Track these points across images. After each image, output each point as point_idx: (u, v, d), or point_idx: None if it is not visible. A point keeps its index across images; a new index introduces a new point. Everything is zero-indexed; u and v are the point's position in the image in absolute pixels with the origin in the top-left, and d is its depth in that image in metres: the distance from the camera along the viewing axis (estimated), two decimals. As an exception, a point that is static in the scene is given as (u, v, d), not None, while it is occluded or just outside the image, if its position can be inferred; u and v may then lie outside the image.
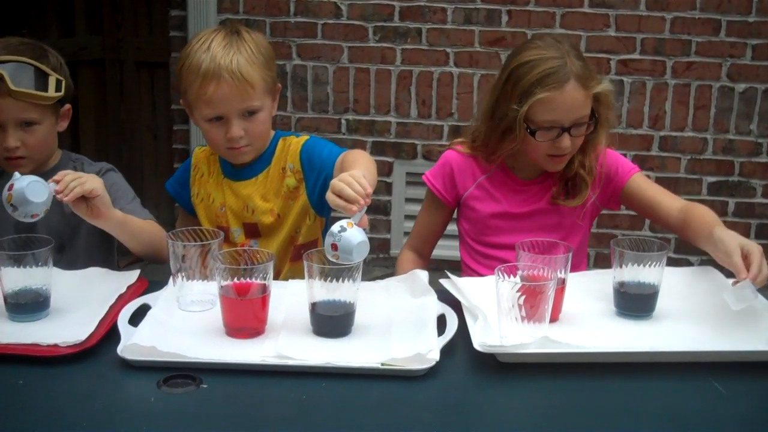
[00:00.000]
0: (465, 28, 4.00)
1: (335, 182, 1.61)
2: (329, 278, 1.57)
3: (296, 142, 2.10)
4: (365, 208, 1.58)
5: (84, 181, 1.77)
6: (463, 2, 3.96)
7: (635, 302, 1.71)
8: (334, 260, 1.54)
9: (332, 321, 1.60)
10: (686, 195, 4.04)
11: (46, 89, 2.01)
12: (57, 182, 1.74)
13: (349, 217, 1.55)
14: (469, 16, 3.98)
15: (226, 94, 1.94)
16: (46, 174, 2.10)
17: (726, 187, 4.05)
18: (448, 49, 4.03)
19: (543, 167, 2.09)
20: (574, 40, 3.90)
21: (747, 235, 4.04)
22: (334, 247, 1.52)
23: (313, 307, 1.59)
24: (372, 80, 4.10)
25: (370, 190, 1.59)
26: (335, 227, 1.53)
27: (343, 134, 4.16)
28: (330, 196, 1.60)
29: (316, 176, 2.03)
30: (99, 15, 4.36)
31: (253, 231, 2.11)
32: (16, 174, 1.68)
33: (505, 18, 3.97)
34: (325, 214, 2.12)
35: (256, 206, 2.10)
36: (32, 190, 1.57)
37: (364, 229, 1.55)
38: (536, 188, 2.14)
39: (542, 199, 2.12)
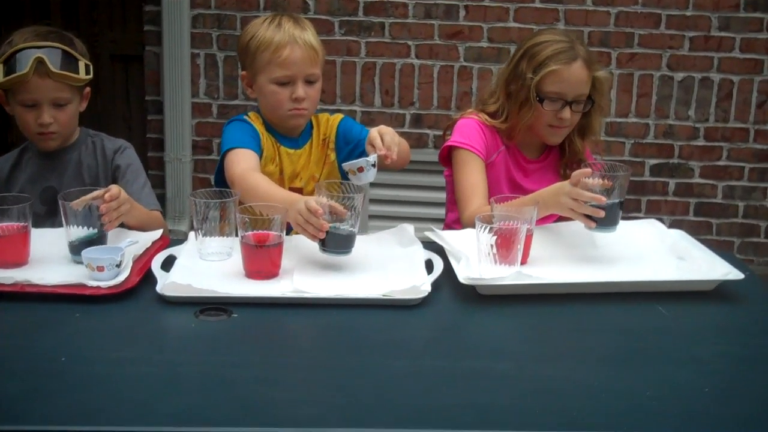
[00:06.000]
0: (425, 22, 4.25)
1: (384, 128, 2.11)
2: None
3: (332, 118, 2.45)
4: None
5: (122, 212, 1.99)
6: (424, -2, 4.24)
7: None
8: (349, 174, 2.08)
9: (337, 237, 1.89)
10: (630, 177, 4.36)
11: (77, 72, 2.24)
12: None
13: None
14: (429, 10, 4.24)
15: None
16: (68, 148, 2.34)
17: (667, 168, 4.36)
18: (410, 42, 4.28)
19: (543, 138, 2.42)
20: (526, 33, 4.19)
21: (686, 212, 4.39)
22: (360, 170, 2.02)
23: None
24: (338, 71, 4.33)
25: (395, 157, 2.11)
26: (372, 158, 2.07)
27: (311, 122, 4.39)
28: (373, 131, 2.09)
29: (351, 149, 2.38)
30: (75, 11, 4.53)
31: None
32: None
33: (462, 12, 4.23)
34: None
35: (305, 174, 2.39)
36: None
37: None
38: (539, 166, 2.48)
39: (548, 179, 2.41)
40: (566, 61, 2.30)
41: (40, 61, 2.17)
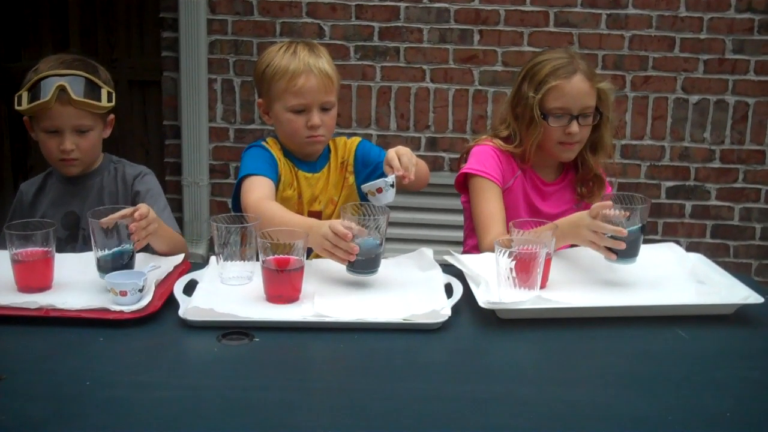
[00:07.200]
0: (440, 47, 4.28)
1: (402, 149, 2.14)
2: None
3: (350, 142, 2.47)
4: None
5: (150, 231, 2.00)
6: (438, 22, 4.25)
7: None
8: (369, 196, 2.13)
9: (364, 258, 1.93)
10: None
11: (99, 100, 2.27)
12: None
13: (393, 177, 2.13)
14: (444, 35, 4.27)
15: None
16: (90, 174, 2.37)
17: (683, 191, 4.36)
18: (425, 66, 4.31)
19: (556, 156, 2.42)
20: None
21: (703, 235, 4.38)
22: (379, 190, 2.05)
23: None
24: (354, 96, 4.36)
25: (413, 177, 2.16)
26: (390, 178, 2.12)
27: (328, 146, 4.42)
28: (391, 152, 2.13)
29: (370, 172, 2.40)
30: (93, 37, 4.59)
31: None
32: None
33: (477, 37, 4.26)
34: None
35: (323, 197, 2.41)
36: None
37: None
38: (557, 188, 2.48)
39: (566, 201, 2.45)
40: (566, 75, 2.32)
41: (62, 89, 2.21)
